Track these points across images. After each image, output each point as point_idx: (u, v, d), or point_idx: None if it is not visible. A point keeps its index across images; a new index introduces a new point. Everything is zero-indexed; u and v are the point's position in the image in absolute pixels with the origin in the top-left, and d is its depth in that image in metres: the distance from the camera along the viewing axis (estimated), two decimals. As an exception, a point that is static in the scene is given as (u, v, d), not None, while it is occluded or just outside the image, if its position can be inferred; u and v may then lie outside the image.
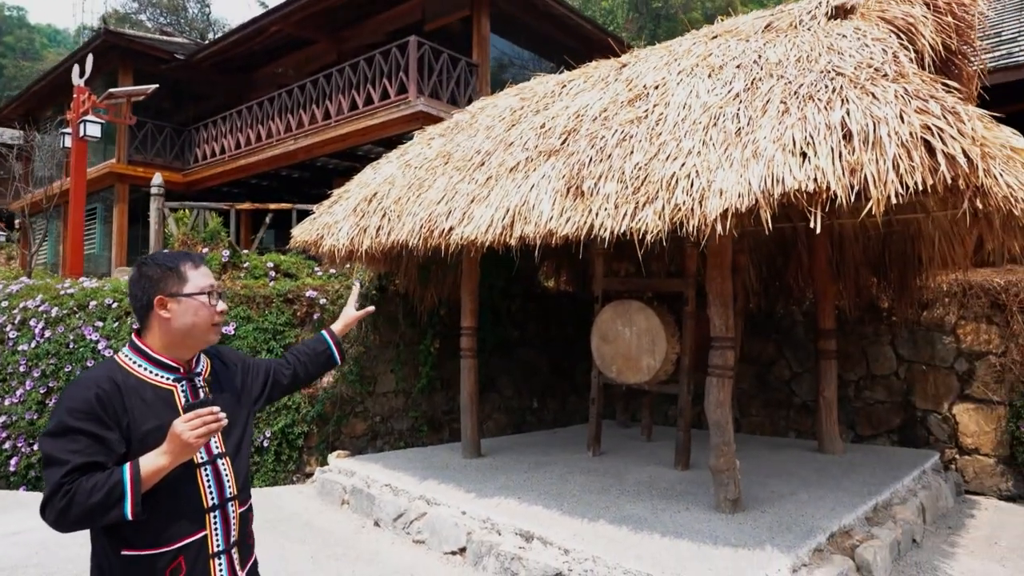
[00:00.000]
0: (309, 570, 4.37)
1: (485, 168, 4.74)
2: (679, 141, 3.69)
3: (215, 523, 1.84)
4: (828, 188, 3.00)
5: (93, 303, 7.11)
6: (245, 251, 8.00)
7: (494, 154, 4.83)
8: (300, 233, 6.10)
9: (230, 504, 1.88)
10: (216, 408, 1.70)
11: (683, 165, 3.53)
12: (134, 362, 1.85)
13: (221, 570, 1.84)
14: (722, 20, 5.31)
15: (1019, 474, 6.21)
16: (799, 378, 7.87)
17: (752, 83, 3.86)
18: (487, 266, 7.22)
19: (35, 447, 6.62)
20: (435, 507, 4.84)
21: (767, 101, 3.63)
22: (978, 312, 6.77)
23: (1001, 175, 2.95)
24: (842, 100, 3.29)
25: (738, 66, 4.11)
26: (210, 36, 35.48)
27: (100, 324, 6.96)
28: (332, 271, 7.88)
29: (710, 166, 3.43)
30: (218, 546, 1.83)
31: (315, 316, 7.22)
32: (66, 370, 6.83)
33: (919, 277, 7.03)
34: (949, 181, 2.88)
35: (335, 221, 5.64)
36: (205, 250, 7.72)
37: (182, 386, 1.87)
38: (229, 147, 14.03)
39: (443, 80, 11.10)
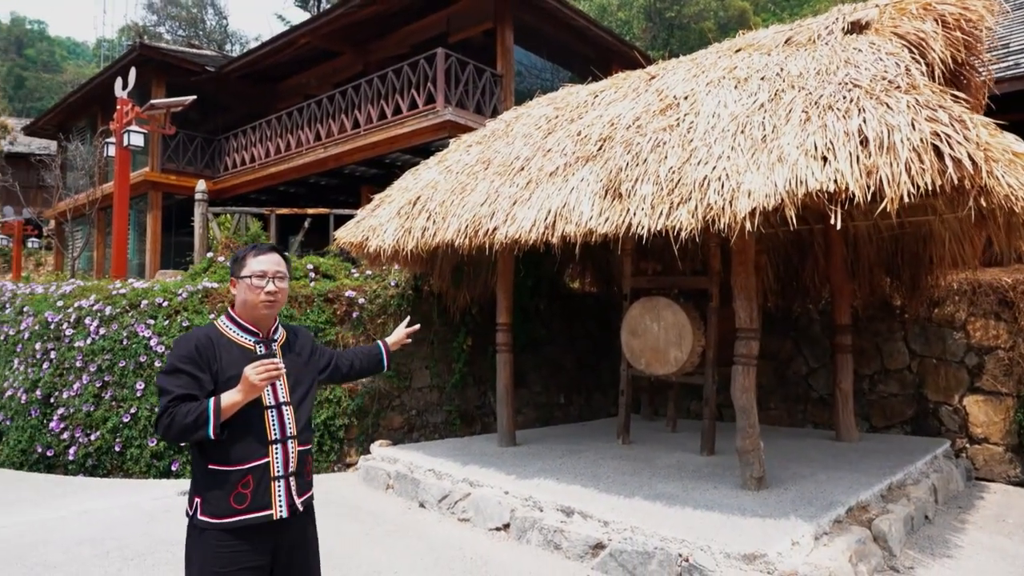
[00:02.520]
0: (366, 544, 4.74)
1: (525, 173, 5.13)
2: (710, 147, 4.07)
3: (276, 453, 2.33)
4: (847, 188, 3.37)
5: (144, 302, 7.53)
6: (286, 253, 8.41)
7: (533, 160, 5.23)
8: (345, 235, 6.50)
9: (290, 441, 2.37)
10: (277, 360, 2.22)
11: (714, 168, 3.90)
12: (226, 326, 2.43)
13: (279, 492, 2.32)
14: (743, 34, 5.69)
15: (1028, 462, 6.52)
16: (816, 373, 8.19)
17: (775, 94, 4.23)
18: (516, 266, 7.60)
19: (92, 437, 7.05)
20: (478, 488, 5.21)
21: (790, 110, 4.00)
22: (987, 309, 7.07)
23: (1003, 176, 3.30)
24: (859, 109, 3.66)
25: (762, 78, 4.49)
26: (227, 48, 36.25)
27: (151, 322, 7.37)
28: (368, 272, 8.29)
29: (739, 169, 3.79)
30: (278, 471, 2.32)
31: (354, 315, 7.62)
32: (120, 365, 7.24)
33: (930, 276, 7.34)
34: (956, 182, 3.23)
35: (380, 223, 6.04)
36: (249, 253, 8.13)
37: (260, 347, 2.42)
38: (259, 156, 14.52)
39: (469, 90, 11.52)
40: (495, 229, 4.84)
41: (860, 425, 7.52)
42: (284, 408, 2.39)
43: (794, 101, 4.05)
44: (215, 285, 7.53)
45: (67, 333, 7.66)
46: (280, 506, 2.32)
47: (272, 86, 16.58)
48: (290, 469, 2.36)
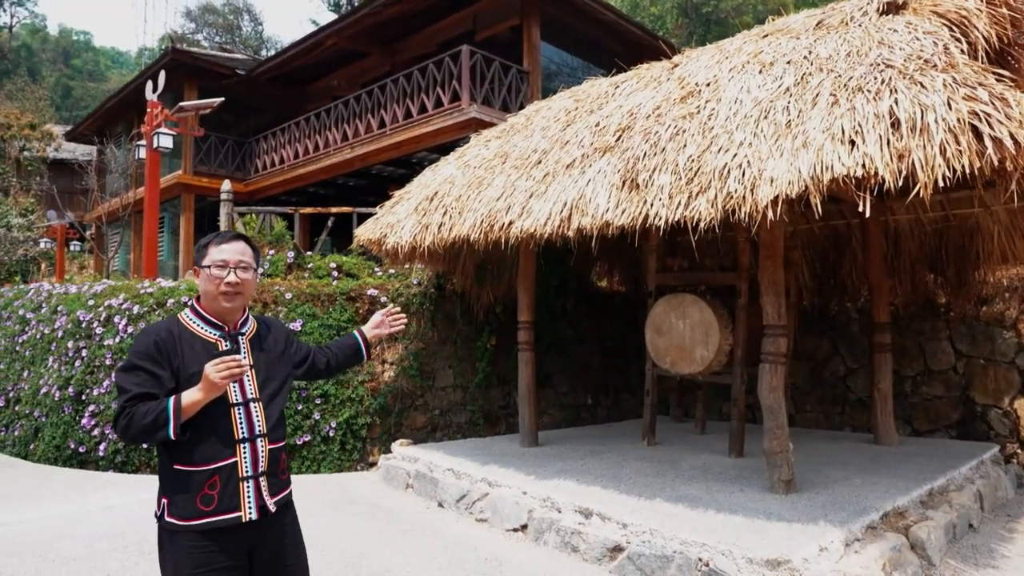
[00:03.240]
0: (379, 542, 4.65)
1: (542, 166, 4.99)
2: (731, 134, 3.88)
3: (244, 453, 2.22)
4: (876, 173, 3.16)
5: (171, 301, 7.58)
6: (308, 253, 8.41)
7: (550, 152, 5.09)
8: (364, 232, 6.44)
9: (259, 440, 2.26)
10: (240, 357, 2.13)
11: (735, 156, 3.71)
12: (190, 319, 2.31)
13: (249, 492, 2.22)
14: (773, 20, 5.46)
15: (1083, 468, 6.15)
16: (854, 374, 7.88)
17: (802, 78, 4.02)
18: (541, 265, 7.46)
19: (121, 435, 7.11)
20: (496, 488, 5.09)
21: (817, 94, 3.79)
22: (1040, 306, 6.72)
23: (1050, 158, 3.06)
24: (891, 90, 3.44)
25: (788, 62, 4.28)
26: (263, 53, 36.83)
27: (178, 321, 7.41)
28: (392, 271, 8.24)
29: (761, 156, 3.60)
30: (247, 471, 2.22)
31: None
32: (148, 364, 7.29)
33: (977, 272, 7.01)
34: (996, 163, 3.01)
35: (397, 220, 5.96)
36: (272, 252, 8.15)
37: (226, 342, 2.29)
38: (288, 157, 14.63)
39: (495, 88, 11.42)
40: (510, 223, 4.71)
41: (902, 429, 7.21)
42: (252, 405, 2.29)
43: (822, 84, 3.84)
44: (239, 284, 7.53)
45: (97, 331, 7.75)
46: (249, 508, 2.22)
47: (302, 88, 16.71)
48: (260, 469, 2.26)
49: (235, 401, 2.24)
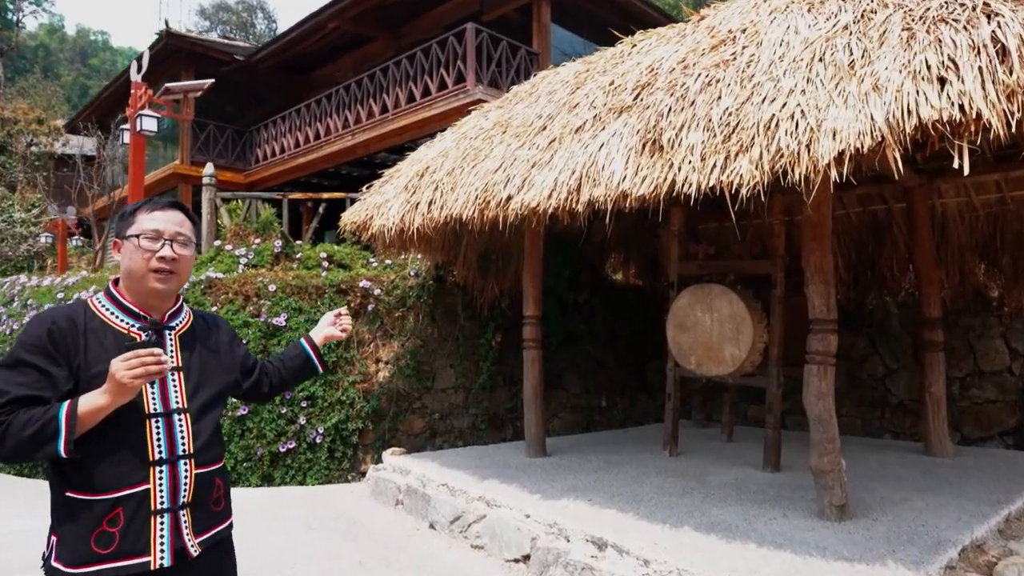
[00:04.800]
0: (358, 572, 3.97)
1: (547, 132, 4.27)
2: (777, 81, 3.15)
3: (161, 478, 1.72)
4: (978, 116, 2.42)
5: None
6: (298, 242, 7.75)
7: (557, 118, 4.36)
8: (349, 216, 5.76)
9: (182, 462, 1.76)
10: (159, 351, 1.61)
11: (784, 106, 2.98)
12: (103, 306, 1.82)
13: (163, 529, 1.71)
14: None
15: None
16: (895, 375, 7.11)
17: (863, 15, 3.28)
18: (552, 254, 6.75)
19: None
20: (496, 509, 4.39)
21: (885, 30, 3.05)
22: (1112, 298, 5.93)
23: None
24: (987, 16, 2.69)
25: None
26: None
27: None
28: (388, 261, 7.57)
29: (818, 104, 2.87)
30: (162, 503, 1.71)
31: (369, 307, 6.89)
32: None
33: (1034, 262, 6.24)
34: None
35: (385, 200, 5.28)
36: (257, 241, 7.50)
37: (147, 334, 1.79)
38: (288, 146, 14.00)
39: (502, 69, 10.71)
40: (509, 198, 4.00)
41: (950, 436, 6.43)
42: (177, 417, 1.78)
43: (890, 19, 3.09)
44: (220, 275, 6.90)
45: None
46: (162, 551, 1.69)
47: (305, 76, 16.07)
48: (181, 499, 1.74)
49: (153, 411, 1.75)
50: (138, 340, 1.74)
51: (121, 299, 1.82)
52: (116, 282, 1.86)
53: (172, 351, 1.84)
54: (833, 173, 2.64)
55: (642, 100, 3.77)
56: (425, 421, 6.95)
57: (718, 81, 3.39)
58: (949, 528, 3.61)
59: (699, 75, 3.52)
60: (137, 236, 1.78)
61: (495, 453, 5.87)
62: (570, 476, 4.91)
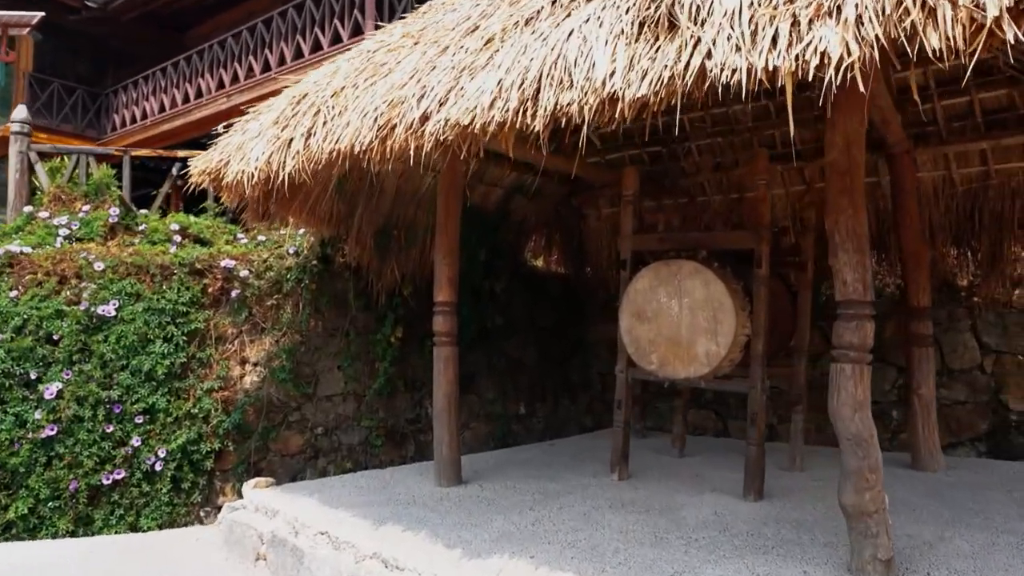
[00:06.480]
0: None
1: (480, 33, 2.98)
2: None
3: None
4: None
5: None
6: (143, 211, 6.08)
7: (493, 15, 3.07)
8: (199, 164, 4.24)
9: None
10: None
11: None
12: None
13: None
14: None
15: None
16: (855, 374, 6.28)
17: None
18: (466, 234, 5.47)
19: None
20: (397, 573, 3.05)
21: None
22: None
23: None
24: None
25: None
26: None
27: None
28: (262, 238, 6.04)
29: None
30: None
31: (233, 293, 5.36)
32: None
33: (1014, 247, 5.54)
34: None
35: (247, 140, 3.81)
36: (86, 208, 5.78)
37: None
38: (152, 111, 12.01)
39: (407, 21, 9.31)
40: (426, 116, 2.68)
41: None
42: None
43: None
44: (28, 250, 5.17)
45: None
46: None
47: (179, 36, 14.00)
48: None
49: None
50: None
51: None
52: None
53: None
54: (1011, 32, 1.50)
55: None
56: (305, 438, 5.49)
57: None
58: (1030, 587, 2.62)
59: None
60: None
61: (395, 482, 4.51)
62: (499, 516, 3.64)
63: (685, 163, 6.00)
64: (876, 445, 2.79)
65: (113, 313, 4.92)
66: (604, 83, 2.16)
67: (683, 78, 1.98)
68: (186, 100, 11.39)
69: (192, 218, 6.07)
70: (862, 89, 1.78)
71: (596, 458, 5.09)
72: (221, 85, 10.79)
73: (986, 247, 5.62)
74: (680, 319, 3.94)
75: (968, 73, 1.79)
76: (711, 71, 1.93)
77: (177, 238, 5.70)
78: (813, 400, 5.08)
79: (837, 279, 2.93)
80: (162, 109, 11.85)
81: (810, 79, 1.78)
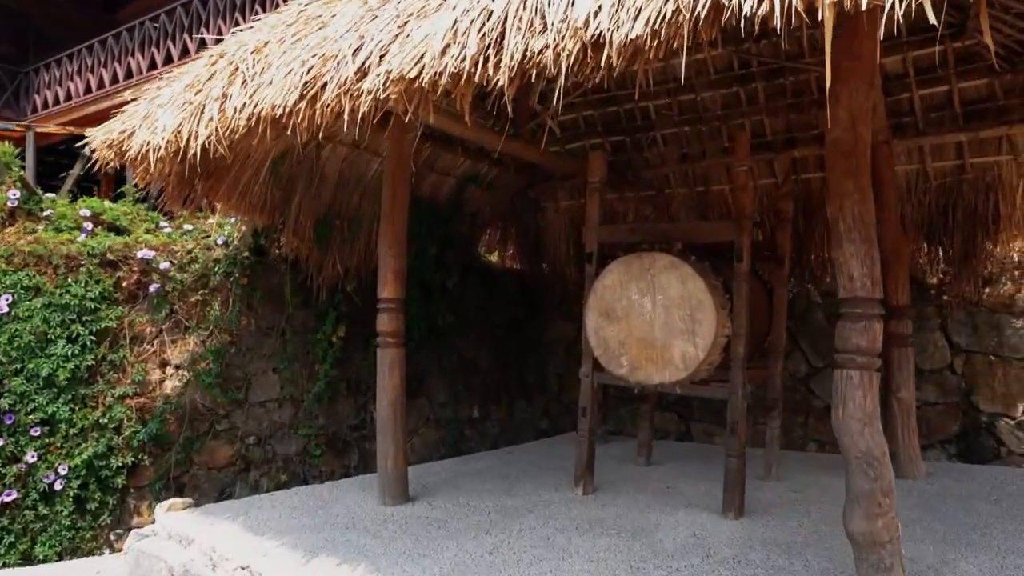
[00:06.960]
0: None
1: (431, -22, 2.53)
2: None
3: None
4: None
5: None
6: (49, 195, 5.41)
7: (447, -41, 2.62)
8: (100, 135, 3.65)
9: None
10: None
11: None
12: None
13: None
14: None
15: None
16: (820, 376, 6.05)
17: None
18: (415, 226, 5.00)
19: None
20: (331, 618, 2.57)
21: None
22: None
23: None
24: None
25: None
26: None
27: None
28: (188, 227, 5.44)
29: None
30: None
31: (152, 288, 4.76)
32: None
33: (987, 244, 5.37)
34: None
35: (157, 108, 3.25)
36: (-20, 189, 5.09)
37: None
38: (77, 91, 11.13)
39: None
40: (363, 72, 2.20)
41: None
42: None
43: None
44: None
45: None
46: None
47: (111, 15, 13.09)
48: None
49: None
50: None
51: None
52: None
53: None
54: None
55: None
56: (235, 449, 4.93)
57: None
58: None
59: None
60: None
61: (334, 499, 4.00)
62: (450, 543, 3.17)
63: (649, 154, 5.66)
64: (888, 464, 2.43)
65: (5, 309, 4.28)
66: (587, 23, 1.73)
67: (692, 12, 1.56)
68: (115, 80, 10.58)
69: (107, 203, 5.43)
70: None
71: (556, 467, 4.68)
72: (153, 65, 10.03)
73: (958, 244, 5.45)
74: (654, 318, 3.55)
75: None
76: (729, 2, 1.51)
77: (88, 225, 5.05)
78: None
79: (841, 273, 2.56)
80: (88, 90, 10.99)
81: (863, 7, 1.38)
